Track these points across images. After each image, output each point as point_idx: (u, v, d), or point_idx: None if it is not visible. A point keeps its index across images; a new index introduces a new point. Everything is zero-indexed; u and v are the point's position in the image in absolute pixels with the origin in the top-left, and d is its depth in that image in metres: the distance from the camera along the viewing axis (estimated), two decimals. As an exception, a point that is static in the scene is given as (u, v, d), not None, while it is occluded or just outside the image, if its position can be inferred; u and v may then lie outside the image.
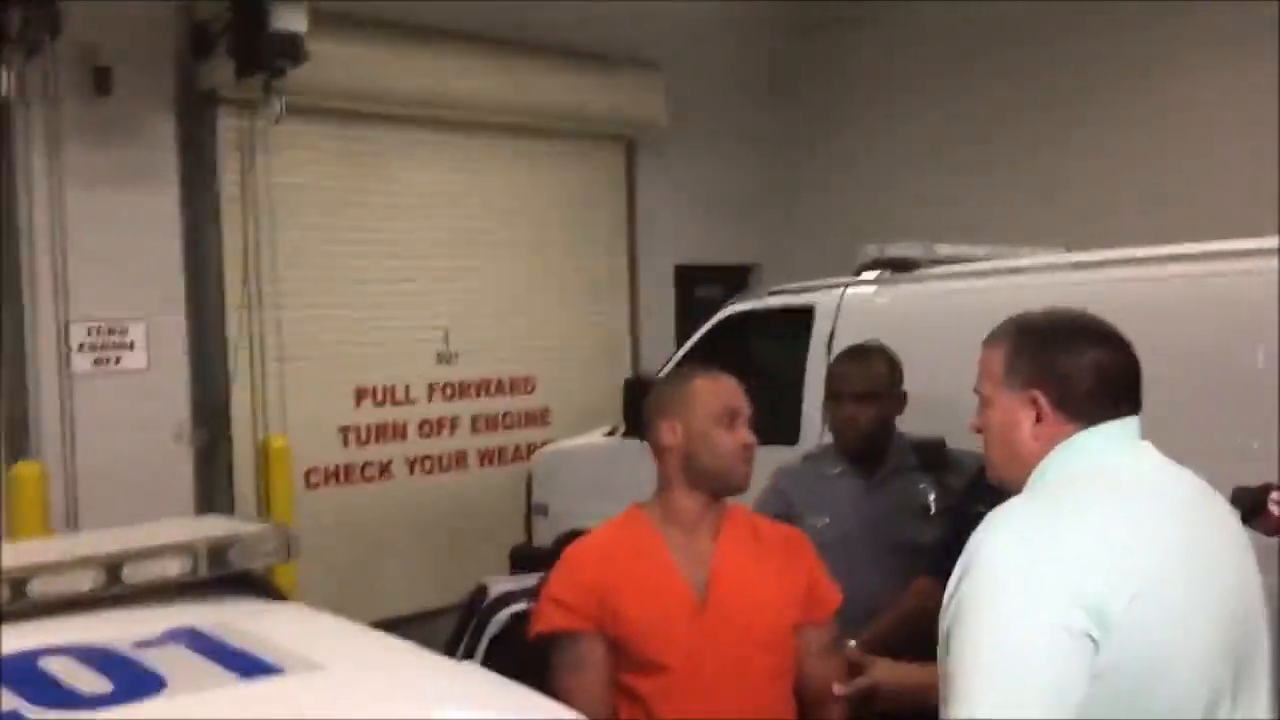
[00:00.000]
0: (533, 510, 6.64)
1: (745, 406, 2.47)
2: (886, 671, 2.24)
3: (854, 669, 2.24)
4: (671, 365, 5.93)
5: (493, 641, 2.54)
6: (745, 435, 2.43)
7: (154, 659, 1.85)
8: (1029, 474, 1.73)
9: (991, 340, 1.82)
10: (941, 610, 1.62)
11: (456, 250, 7.95)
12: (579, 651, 2.33)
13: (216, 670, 1.82)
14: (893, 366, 3.20)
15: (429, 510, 7.83)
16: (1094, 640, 1.49)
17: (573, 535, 6.08)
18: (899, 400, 3.20)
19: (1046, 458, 1.71)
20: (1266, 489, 2.79)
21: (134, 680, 1.75)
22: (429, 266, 7.82)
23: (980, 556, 1.57)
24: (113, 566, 2.07)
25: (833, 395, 3.19)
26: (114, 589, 2.06)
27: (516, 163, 8.29)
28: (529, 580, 2.68)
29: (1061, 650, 1.48)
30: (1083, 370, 1.71)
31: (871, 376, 3.14)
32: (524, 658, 2.62)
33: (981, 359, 1.83)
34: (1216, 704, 1.58)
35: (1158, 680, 1.52)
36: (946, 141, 8.62)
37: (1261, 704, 1.66)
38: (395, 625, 6.77)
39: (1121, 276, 4.13)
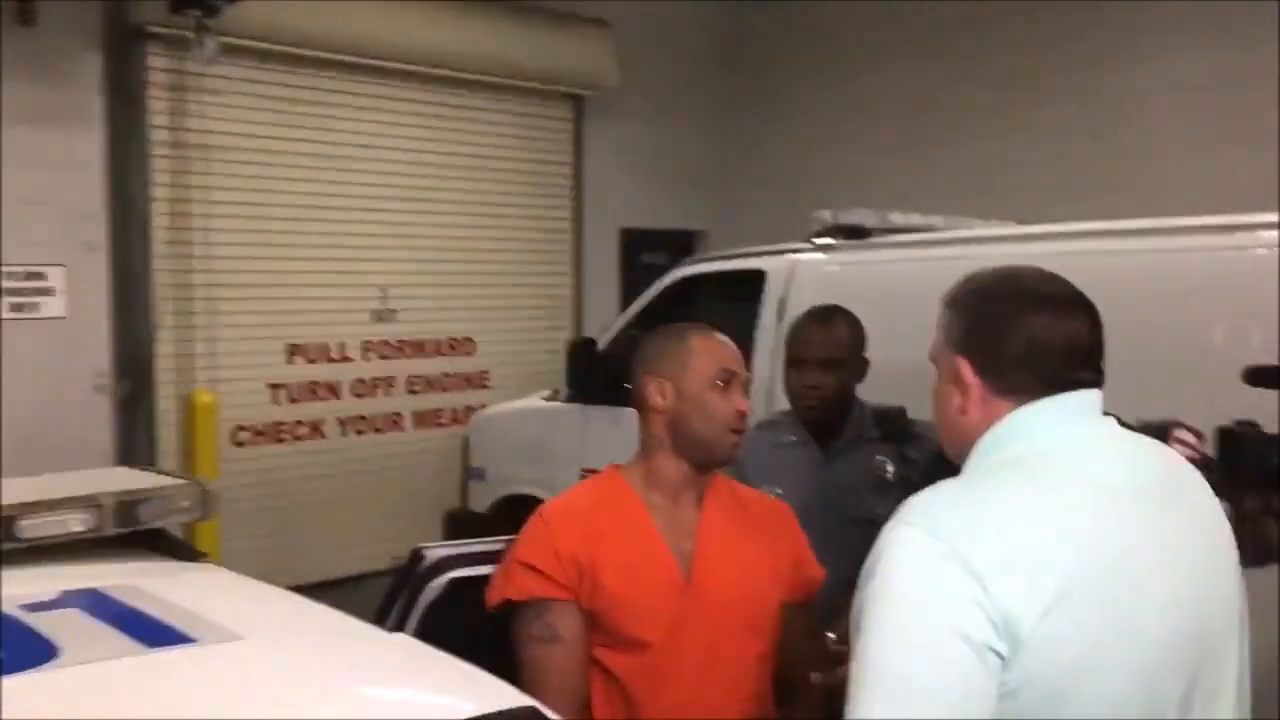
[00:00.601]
0: (469, 474, 6.47)
1: (743, 370, 2.29)
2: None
3: (832, 659, 2.08)
4: (617, 329, 5.78)
5: (427, 611, 2.35)
6: (740, 402, 2.25)
7: (47, 624, 1.67)
8: (967, 451, 1.54)
9: (942, 303, 1.62)
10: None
11: (397, 205, 7.69)
12: (553, 621, 2.14)
13: (118, 638, 1.64)
14: (856, 331, 3.05)
15: (361, 472, 7.60)
16: (999, 654, 1.31)
17: (510, 501, 6.04)
18: (861, 367, 3.06)
19: (983, 438, 1.52)
20: (1169, 425, 2.72)
21: (20, 647, 1.56)
22: (368, 220, 7.55)
23: (887, 549, 1.40)
24: (6, 520, 1.88)
25: (792, 360, 3.03)
26: (6, 544, 1.86)
27: (461, 117, 8.04)
28: (467, 546, 2.51)
29: (957, 661, 1.31)
30: (1012, 336, 1.49)
31: (834, 341, 2.99)
32: (461, 627, 2.46)
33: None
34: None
35: (1079, 701, 1.34)
36: (897, 114, 8.52)
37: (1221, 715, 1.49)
38: (323, 590, 6.65)
39: (1081, 249, 4.05)
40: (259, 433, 7.15)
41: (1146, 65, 7.37)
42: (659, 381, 2.25)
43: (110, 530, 1.99)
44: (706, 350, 2.26)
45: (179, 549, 2.13)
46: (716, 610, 2.19)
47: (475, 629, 2.42)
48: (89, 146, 6.35)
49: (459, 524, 6.47)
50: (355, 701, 1.62)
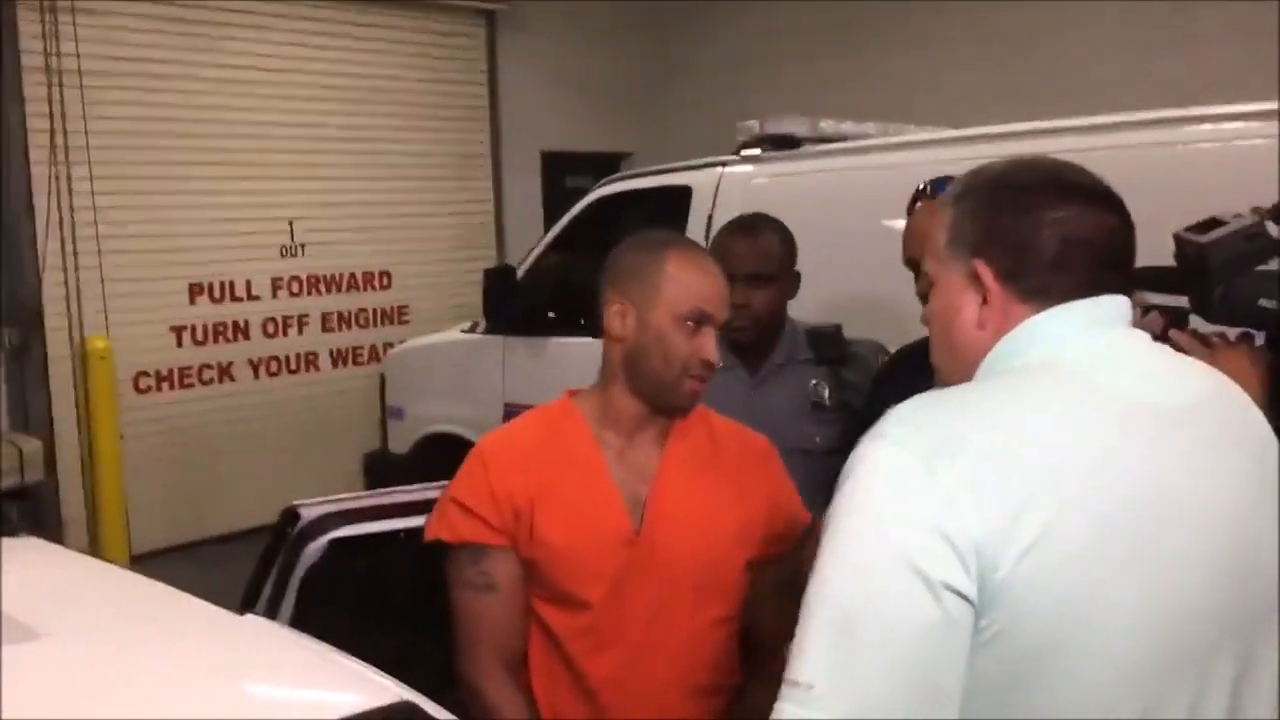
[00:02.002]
0: (387, 414, 6.14)
1: (723, 309, 1.96)
2: None
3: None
4: (535, 255, 5.45)
5: (306, 578, 2.05)
6: (709, 349, 1.93)
7: None
8: (973, 375, 1.28)
9: (938, 204, 1.36)
10: None
11: (302, 132, 7.23)
12: (488, 569, 1.90)
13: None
14: (786, 242, 2.74)
15: (276, 416, 7.23)
16: (963, 595, 1.07)
17: (431, 440, 5.73)
18: (793, 282, 2.76)
19: (991, 351, 1.26)
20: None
21: None
22: (271, 150, 7.09)
23: (854, 465, 1.16)
24: None
25: (716, 276, 2.73)
26: None
27: (367, 37, 7.55)
28: (350, 501, 2.20)
29: (910, 597, 1.07)
30: (1043, 233, 1.24)
31: (762, 253, 2.68)
32: (347, 597, 2.17)
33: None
34: (1199, 693, 1.17)
35: (1074, 657, 1.10)
36: (830, 25, 8.20)
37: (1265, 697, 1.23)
38: (238, 540, 6.34)
39: (1020, 150, 3.79)
40: (163, 378, 6.74)
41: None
42: (622, 304, 1.95)
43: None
44: (684, 279, 1.93)
45: (-5, 523, 1.79)
46: (668, 568, 1.91)
47: (364, 598, 2.14)
48: (-46, 76, 5.83)
49: (378, 467, 6.16)
50: (197, 706, 1.31)
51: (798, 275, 2.77)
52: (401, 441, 5.94)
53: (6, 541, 1.76)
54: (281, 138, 7.14)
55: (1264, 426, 1.30)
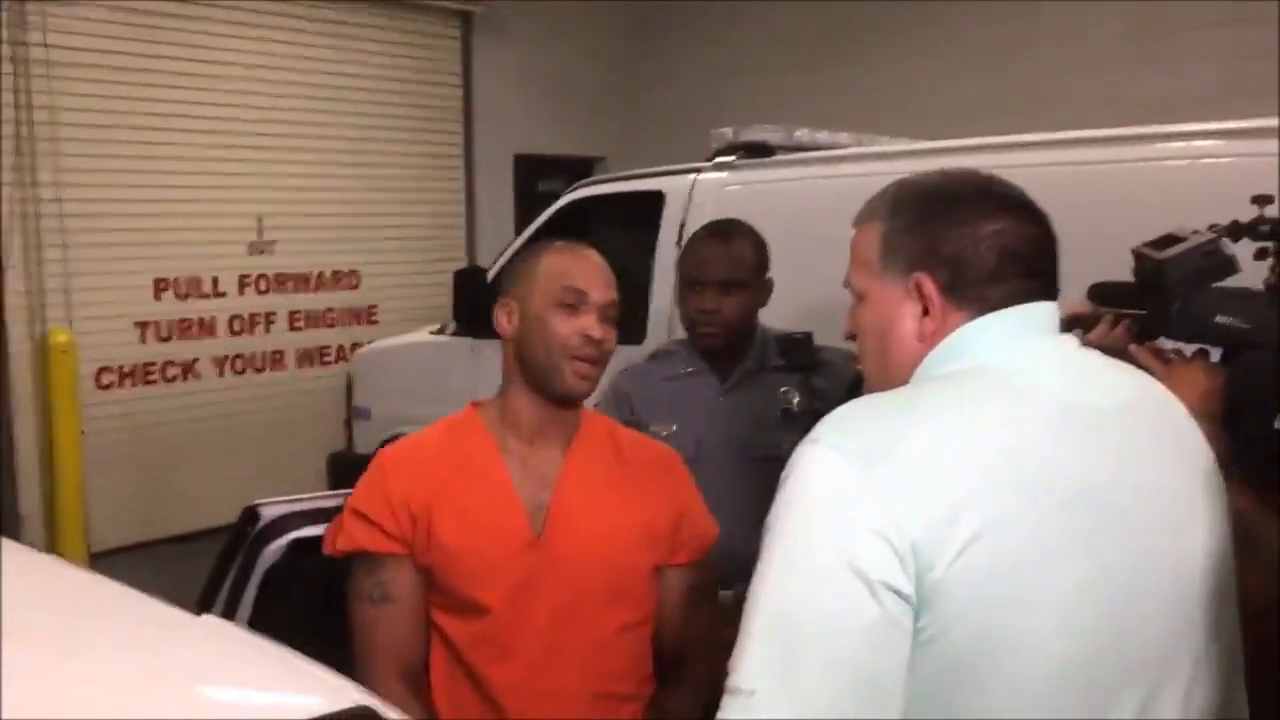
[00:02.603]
0: (353, 414, 6.08)
1: (600, 289, 1.95)
2: None
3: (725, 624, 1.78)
4: (506, 258, 5.41)
5: (265, 579, 2.02)
6: (589, 324, 1.91)
7: None
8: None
9: (863, 217, 1.37)
10: None
11: (273, 129, 7.16)
12: (384, 579, 1.87)
13: None
14: (759, 248, 2.73)
15: (240, 414, 7.15)
16: (901, 594, 1.07)
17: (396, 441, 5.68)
18: (765, 289, 2.75)
19: (925, 359, 1.28)
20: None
21: None
22: (240, 145, 7.00)
23: (791, 469, 1.17)
24: None
25: (687, 281, 2.70)
26: None
27: (341, 34, 7.50)
28: (310, 501, 2.17)
29: (848, 598, 1.07)
30: (981, 244, 1.26)
31: (734, 259, 2.66)
32: (306, 598, 2.13)
33: (852, 243, 1.38)
34: (1149, 694, 1.17)
35: (1011, 657, 1.10)
36: (810, 34, 8.22)
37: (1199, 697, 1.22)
38: (199, 539, 6.26)
39: (996, 163, 3.80)
40: (125, 374, 6.65)
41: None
42: (507, 304, 1.98)
43: None
44: (556, 266, 1.96)
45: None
46: (571, 573, 1.89)
47: (324, 599, 2.10)
48: (-83, 61, 5.74)
49: (343, 468, 6.10)
50: (152, 710, 1.28)
51: (770, 282, 2.76)
52: (367, 442, 5.88)
53: (-43, 537, 1.71)
54: (252, 133, 7.06)
55: (1191, 427, 1.33)
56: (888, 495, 1.09)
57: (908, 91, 7.63)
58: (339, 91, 7.48)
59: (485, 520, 1.89)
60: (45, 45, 6.09)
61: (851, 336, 1.41)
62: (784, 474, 1.17)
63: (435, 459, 1.94)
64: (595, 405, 2.79)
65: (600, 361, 1.96)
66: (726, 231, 2.73)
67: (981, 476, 1.11)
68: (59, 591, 1.55)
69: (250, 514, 2.06)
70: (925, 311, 1.28)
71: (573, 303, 1.92)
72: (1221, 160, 3.43)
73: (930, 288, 1.27)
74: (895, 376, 1.31)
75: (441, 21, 8.15)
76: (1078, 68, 7.00)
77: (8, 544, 1.71)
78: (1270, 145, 3.03)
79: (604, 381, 3.14)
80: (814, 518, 1.12)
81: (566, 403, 1.98)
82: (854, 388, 2.54)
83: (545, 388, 1.94)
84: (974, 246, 1.26)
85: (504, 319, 1.98)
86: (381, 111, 7.75)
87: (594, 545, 1.92)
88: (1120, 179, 3.63)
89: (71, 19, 6.24)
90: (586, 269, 1.97)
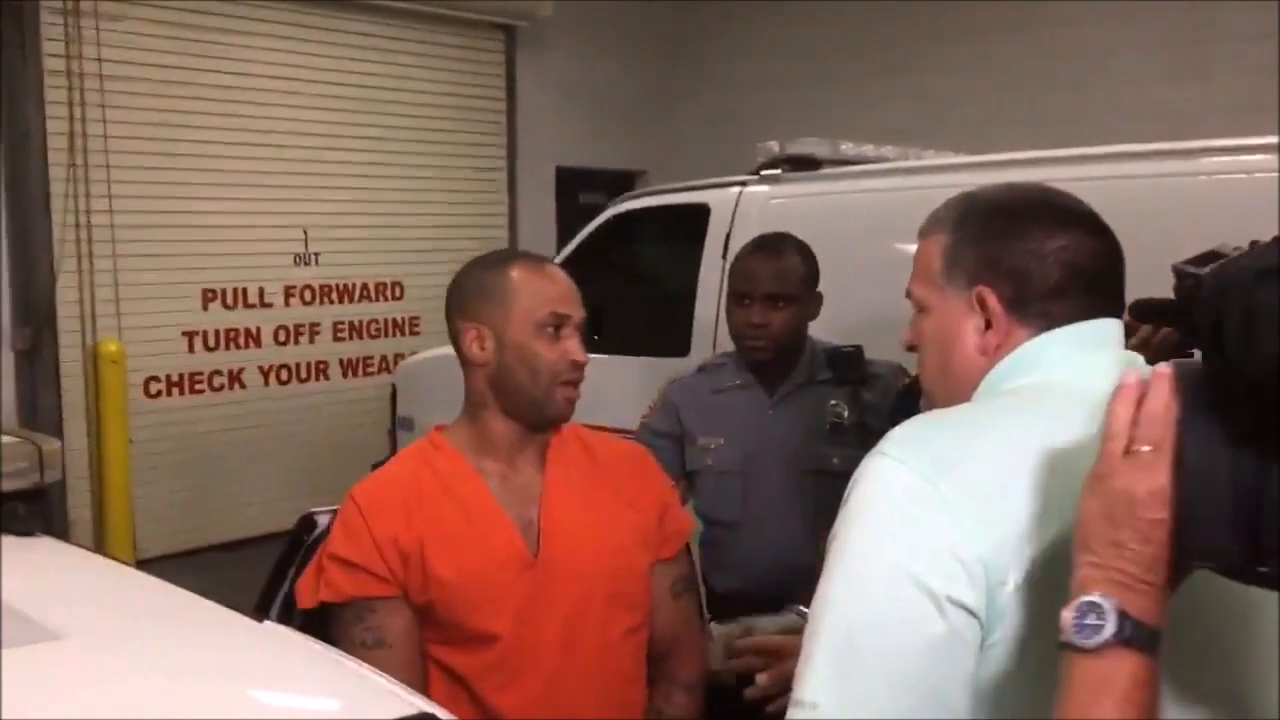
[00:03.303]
0: (397, 425, 6.11)
1: (577, 308, 1.93)
2: None
3: (773, 653, 1.77)
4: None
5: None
6: (574, 348, 1.89)
7: None
8: (970, 399, 1.28)
9: (927, 229, 1.35)
10: None
11: (319, 141, 7.24)
12: (377, 624, 1.79)
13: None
14: (809, 262, 2.73)
15: (285, 424, 7.22)
16: (970, 611, 1.06)
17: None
18: (815, 303, 2.75)
19: (989, 374, 1.26)
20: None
21: None
22: (287, 159, 7.09)
23: (858, 481, 1.15)
24: None
25: (736, 295, 2.70)
26: None
27: (386, 49, 7.57)
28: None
29: (914, 612, 1.06)
30: (1046, 260, 1.25)
31: (784, 274, 2.66)
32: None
33: (916, 254, 1.37)
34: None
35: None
36: (843, 49, 8.23)
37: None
38: (243, 547, 6.32)
39: (1044, 177, 3.78)
40: (174, 383, 6.73)
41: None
42: (477, 329, 1.90)
43: (-82, 500, 1.64)
44: (533, 288, 1.89)
45: (8, 522, 1.78)
46: (573, 585, 1.87)
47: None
48: (-23, 77, 5.84)
49: (386, 478, 6.13)
50: (217, 713, 1.30)
51: (819, 296, 2.76)
52: (411, 453, 5.92)
53: (24, 541, 1.75)
54: (298, 146, 7.14)
55: None
56: (957, 510, 1.08)
57: (944, 104, 7.61)
58: (385, 105, 7.55)
59: (480, 548, 1.85)
60: (99, 60, 6.19)
61: (912, 347, 1.39)
62: (850, 486, 1.16)
63: (414, 493, 1.88)
64: (644, 417, 2.82)
65: (580, 381, 1.93)
66: (775, 245, 2.73)
67: (1053, 491, 1.09)
68: (127, 596, 1.57)
69: (308, 521, 2.08)
70: (988, 325, 1.27)
71: (556, 326, 1.89)
72: (1264, 175, 3.40)
73: (993, 302, 1.26)
74: (955, 389, 1.29)
75: (486, 36, 8.22)
76: (1115, 81, 6.98)
77: (74, 549, 1.74)
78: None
79: (650, 393, 3.16)
80: (880, 531, 1.11)
81: (550, 426, 1.95)
82: (901, 400, 2.54)
83: (532, 415, 1.91)
84: (1038, 261, 1.25)
85: (475, 347, 1.91)
86: (426, 125, 7.81)
87: (592, 553, 1.90)
88: (1161, 193, 3.61)
89: (123, 33, 6.34)
90: (564, 290, 1.93)
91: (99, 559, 1.72)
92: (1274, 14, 6.15)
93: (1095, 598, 0.94)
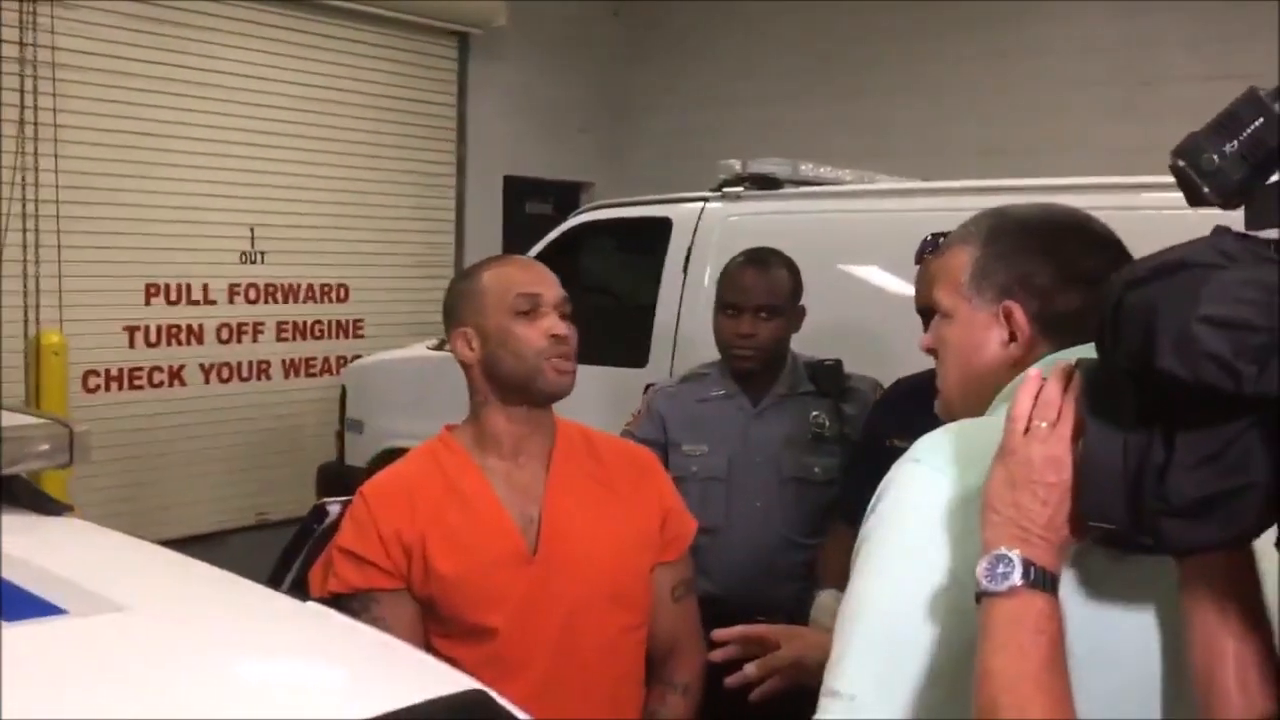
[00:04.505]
0: (346, 426, 6.10)
1: (550, 287, 2.01)
2: (809, 644, 1.76)
3: (761, 643, 1.82)
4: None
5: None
6: (553, 323, 1.96)
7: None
8: (986, 406, 1.34)
9: (959, 238, 1.42)
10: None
11: (268, 140, 7.18)
12: (381, 614, 1.86)
13: (-34, 608, 1.32)
14: (795, 277, 2.84)
15: (226, 422, 7.13)
16: None
17: (391, 454, 5.70)
18: (798, 315, 2.85)
19: (1010, 384, 1.32)
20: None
21: None
22: (235, 156, 7.02)
23: (889, 487, 1.23)
24: None
25: (725, 306, 2.79)
26: None
27: (340, 49, 7.55)
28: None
29: (944, 612, 1.15)
30: (1075, 280, 1.32)
31: (772, 287, 2.77)
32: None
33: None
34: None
35: (1101, 673, 1.15)
36: (795, 69, 8.37)
37: None
38: (182, 546, 6.22)
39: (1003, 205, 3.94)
40: (113, 378, 6.63)
41: (1054, 24, 7.38)
42: (464, 332, 2.00)
43: (-46, 477, 1.65)
44: (500, 279, 2.00)
45: (37, 500, 1.79)
46: (571, 583, 1.94)
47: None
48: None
49: (334, 479, 6.11)
50: (279, 686, 1.34)
51: (803, 309, 2.86)
52: (360, 455, 5.90)
53: (59, 520, 1.77)
54: (249, 144, 7.08)
55: None
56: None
57: (894, 128, 7.79)
58: (336, 106, 7.53)
59: (480, 544, 1.92)
60: (52, 48, 6.10)
61: (931, 351, 1.45)
62: (880, 492, 1.23)
63: (420, 489, 1.95)
64: (627, 425, 2.89)
65: (573, 356, 2.00)
66: (764, 260, 2.83)
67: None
68: (171, 573, 1.61)
69: (318, 511, 2.12)
70: (1011, 338, 1.34)
71: (528, 309, 1.97)
72: (1205, 212, 3.58)
73: (1020, 316, 1.33)
74: (974, 396, 1.36)
75: (439, 42, 8.23)
76: (1065, 115, 7.19)
77: (106, 530, 1.77)
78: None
79: (609, 403, 3.24)
80: (915, 533, 1.18)
81: (548, 401, 2.02)
82: (876, 411, 2.63)
83: (528, 394, 1.97)
84: (1067, 282, 1.32)
85: (464, 348, 2.00)
86: (377, 128, 7.80)
87: (591, 553, 1.97)
88: (1121, 224, 3.78)
89: (77, 22, 6.26)
90: (532, 274, 2.04)
91: (130, 538, 1.75)
92: (1215, 57, 6.45)
93: (1003, 550, 1.07)
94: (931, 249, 2.62)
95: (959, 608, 1.13)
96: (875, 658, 1.16)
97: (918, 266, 2.63)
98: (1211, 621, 1.09)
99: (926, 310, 2.55)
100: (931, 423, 1.34)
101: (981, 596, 1.07)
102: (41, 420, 1.82)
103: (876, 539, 1.21)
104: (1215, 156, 1.06)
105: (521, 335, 1.95)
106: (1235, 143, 1.05)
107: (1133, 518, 1.04)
